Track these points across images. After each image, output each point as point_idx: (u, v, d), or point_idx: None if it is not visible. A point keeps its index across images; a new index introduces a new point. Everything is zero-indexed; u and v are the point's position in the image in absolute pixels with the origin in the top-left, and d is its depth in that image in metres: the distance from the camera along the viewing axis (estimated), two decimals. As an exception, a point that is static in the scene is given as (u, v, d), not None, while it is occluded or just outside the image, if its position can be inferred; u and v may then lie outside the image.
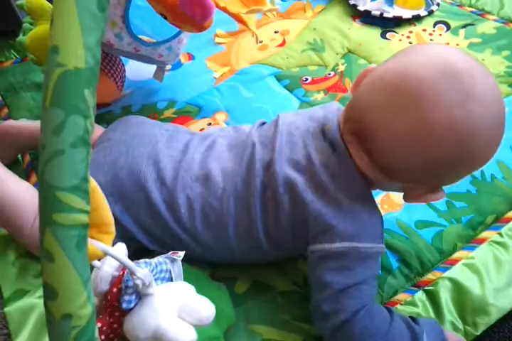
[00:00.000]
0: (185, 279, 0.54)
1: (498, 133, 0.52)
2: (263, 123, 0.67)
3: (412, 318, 0.60)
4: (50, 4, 0.88)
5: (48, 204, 0.34)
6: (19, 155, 0.85)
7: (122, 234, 0.49)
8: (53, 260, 0.34)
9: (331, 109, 0.61)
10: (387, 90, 0.51)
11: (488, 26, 1.06)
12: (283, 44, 1.09)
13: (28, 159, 0.86)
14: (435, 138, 0.49)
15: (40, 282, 0.67)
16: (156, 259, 0.52)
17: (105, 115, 0.93)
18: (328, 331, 0.57)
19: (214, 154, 0.63)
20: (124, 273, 0.49)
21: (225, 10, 0.61)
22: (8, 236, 0.71)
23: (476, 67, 0.50)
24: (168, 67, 1.02)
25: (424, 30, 1.09)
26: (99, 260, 0.50)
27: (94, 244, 0.42)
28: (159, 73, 0.95)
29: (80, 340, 0.36)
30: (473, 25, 1.07)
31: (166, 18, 0.59)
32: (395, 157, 0.52)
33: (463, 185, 0.77)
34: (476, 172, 0.78)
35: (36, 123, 0.78)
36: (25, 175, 0.82)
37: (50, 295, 0.35)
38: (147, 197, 0.61)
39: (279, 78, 1.01)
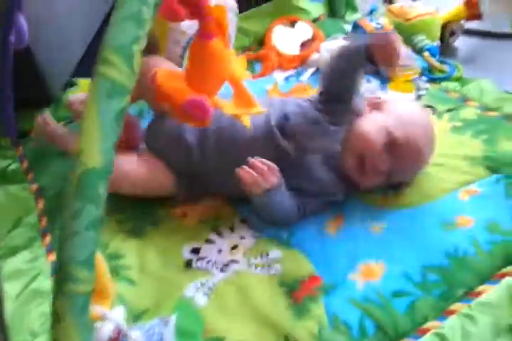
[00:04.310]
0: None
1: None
2: None
3: None
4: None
5: (62, 275, 0.42)
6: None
7: None
8: (61, 321, 0.41)
9: None
10: None
11: (469, 112, 1.14)
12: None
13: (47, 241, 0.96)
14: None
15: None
16: (149, 323, 0.60)
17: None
18: None
19: None
20: (119, 335, 0.56)
21: (222, 110, 0.71)
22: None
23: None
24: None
25: (411, 112, 1.17)
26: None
27: (96, 310, 0.50)
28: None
29: None
30: (456, 110, 1.15)
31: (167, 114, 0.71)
32: None
33: (437, 258, 0.83)
34: (450, 248, 0.84)
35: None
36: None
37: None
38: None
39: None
